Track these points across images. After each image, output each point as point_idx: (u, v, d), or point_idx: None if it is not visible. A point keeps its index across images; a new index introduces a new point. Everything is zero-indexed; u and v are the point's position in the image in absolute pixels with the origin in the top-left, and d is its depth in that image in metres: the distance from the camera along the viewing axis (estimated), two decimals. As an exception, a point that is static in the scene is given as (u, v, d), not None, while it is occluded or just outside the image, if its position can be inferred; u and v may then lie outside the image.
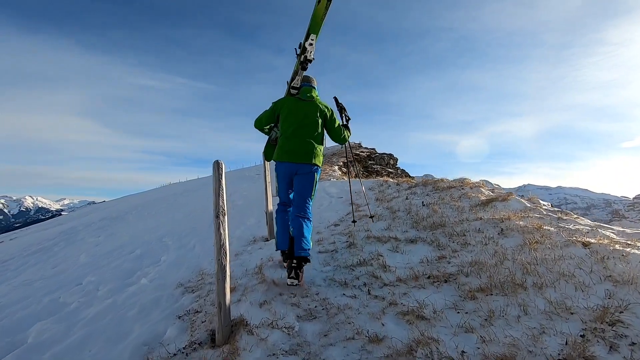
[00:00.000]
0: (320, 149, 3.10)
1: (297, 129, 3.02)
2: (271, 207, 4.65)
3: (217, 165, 2.19)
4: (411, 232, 3.73)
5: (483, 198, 4.58)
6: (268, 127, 3.37)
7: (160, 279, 3.57)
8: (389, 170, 18.84)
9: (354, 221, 4.10)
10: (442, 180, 6.03)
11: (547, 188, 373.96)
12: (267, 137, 3.57)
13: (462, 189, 5.23)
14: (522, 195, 4.66)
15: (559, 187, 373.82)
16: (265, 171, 4.74)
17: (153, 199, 17.46)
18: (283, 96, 3.62)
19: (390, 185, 6.52)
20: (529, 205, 4.18)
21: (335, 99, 3.51)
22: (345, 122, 3.48)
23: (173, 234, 6.37)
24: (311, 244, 2.95)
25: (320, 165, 3.09)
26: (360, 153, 19.10)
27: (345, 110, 3.49)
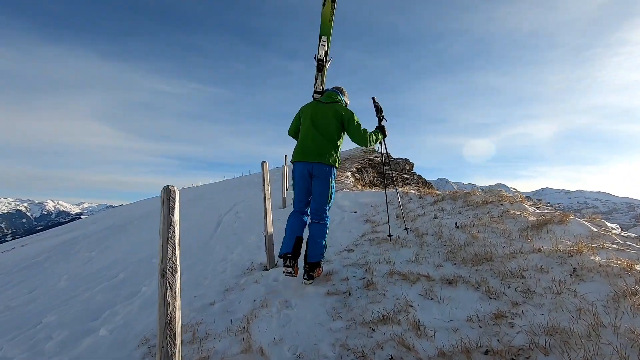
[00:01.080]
0: (336, 150, 3.06)
1: (311, 129, 3.04)
2: (271, 229, 3.88)
3: (166, 194, 1.42)
4: (447, 267, 2.88)
5: (532, 219, 3.68)
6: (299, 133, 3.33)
7: (124, 327, 2.81)
8: (405, 176, 17.88)
9: (389, 235, 3.80)
10: (473, 192, 5.14)
11: (566, 192, 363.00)
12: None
13: (501, 204, 4.34)
14: (584, 215, 3.74)
15: (579, 191, 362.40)
16: (264, 184, 3.97)
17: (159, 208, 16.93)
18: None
19: (411, 199, 5.65)
20: (595, 229, 3.28)
21: (373, 99, 3.60)
22: (379, 124, 3.51)
23: (165, 252, 5.67)
24: (326, 247, 3.09)
25: (335, 167, 3.07)
26: (374, 158, 18.21)
27: (381, 111, 3.54)
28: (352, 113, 3.11)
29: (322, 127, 3.03)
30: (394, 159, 19.42)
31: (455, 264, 2.92)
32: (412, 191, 6.15)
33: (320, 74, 3.55)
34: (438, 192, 5.80)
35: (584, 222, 3.43)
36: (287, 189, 10.54)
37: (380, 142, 3.70)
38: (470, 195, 5.02)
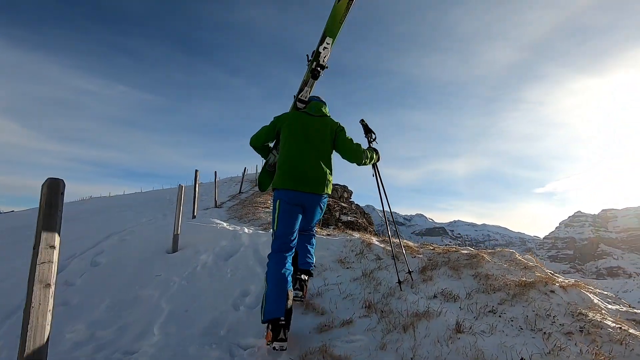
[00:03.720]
0: (331, 174, 2.60)
1: (305, 150, 2.51)
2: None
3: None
4: None
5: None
6: (266, 146, 2.89)
7: None
8: (343, 204, 16.10)
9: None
10: (482, 257, 3.13)
11: (473, 225, 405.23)
12: (264, 161, 3.04)
13: (551, 291, 2.38)
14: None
15: (484, 225, 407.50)
16: (38, 243, 1.42)
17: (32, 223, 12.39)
18: (288, 111, 2.99)
19: (380, 258, 3.45)
20: None
21: (362, 121, 3.07)
22: (369, 146, 3.00)
23: None
24: (315, 259, 2.76)
25: (330, 194, 2.63)
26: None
27: (371, 132, 3.04)
28: (344, 127, 2.71)
29: (318, 146, 2.54)
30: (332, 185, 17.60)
31: None
32: (375, 241, 3.98)
33: (313, 81, 2.96)
34: (417, 248, 3.72)
35: None
36: (194, 216, 7.74)
37: (375, 165, 3.05)
38: (480, 262, 3.01)
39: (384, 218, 3.41)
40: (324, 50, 2.85)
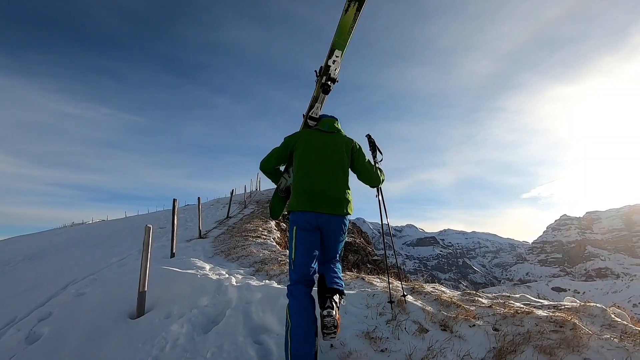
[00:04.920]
0: (350, 192, 2.43)
1: (321, 168, 2.37)
2: None
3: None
4: None
5: None
6: (277, 170, 2.71)
7: None
8: (338, 224, 15.13)
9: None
10: (570, 322, 2.18)
11: (463, 233, 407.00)
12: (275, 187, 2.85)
13: None
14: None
15: (474, 232, 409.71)
16: None
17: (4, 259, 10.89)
18: (299, 130, 2.89)
19: (425, 328, 2.44)
20: None
21: (369, 137, 2.83)
22: (377, 165, 2.75)
23: None
24: (343, 284, 2.30)
25: (351, 214, 2.40)
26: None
27: (378, 149, 2.81)
28: (360, 144, 2.64)
29: (335, 164, 2.40)
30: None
31: None
32: (409, 297, 2.99)
33: (324, 96, 2.80)
34: (467, 306, 2.75)
35: None
36: (173, 254, 6.58)
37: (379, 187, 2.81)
38: (578, 336, 2.05)
39: (382, 238, 3.04)
40: (333, 63, 2.73)
